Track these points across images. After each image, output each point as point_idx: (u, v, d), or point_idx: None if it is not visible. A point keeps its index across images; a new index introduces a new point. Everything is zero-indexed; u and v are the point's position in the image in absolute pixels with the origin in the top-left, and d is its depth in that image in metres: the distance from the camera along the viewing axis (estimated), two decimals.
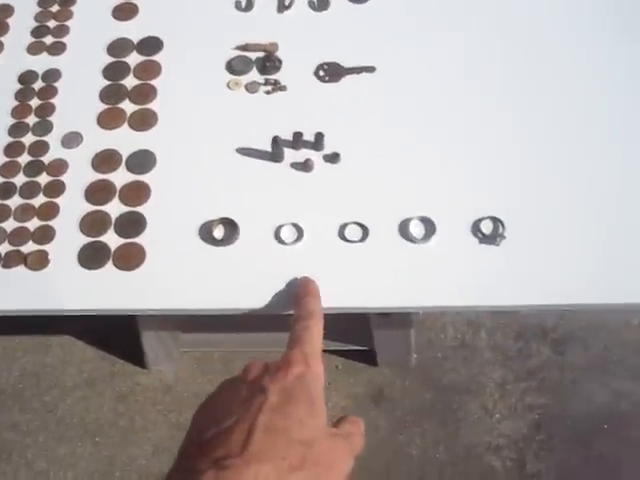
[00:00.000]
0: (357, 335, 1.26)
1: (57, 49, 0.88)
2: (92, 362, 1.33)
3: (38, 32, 0.90)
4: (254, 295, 0.72)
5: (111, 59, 0.87)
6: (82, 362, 1.33)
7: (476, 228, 0.75)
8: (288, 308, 0.71)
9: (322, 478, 0.49)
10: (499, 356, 1.33)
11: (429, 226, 0.74)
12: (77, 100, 0.84)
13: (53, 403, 1.30)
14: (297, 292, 0.68)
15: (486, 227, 0.75)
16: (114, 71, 0.86)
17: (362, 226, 0.74)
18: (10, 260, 0.74)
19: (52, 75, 0.86)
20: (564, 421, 1.27)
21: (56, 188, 0.78)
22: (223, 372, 1.31)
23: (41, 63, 0.87)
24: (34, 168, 0.79)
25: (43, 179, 0.79)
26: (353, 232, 0.74)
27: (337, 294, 0.71)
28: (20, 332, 1.36)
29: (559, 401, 1.29)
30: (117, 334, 1.32)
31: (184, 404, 1.29)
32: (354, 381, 1.31)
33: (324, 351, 1.37)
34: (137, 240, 0.74)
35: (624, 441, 1.25)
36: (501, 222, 0.75)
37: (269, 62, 0.86)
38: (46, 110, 0.83)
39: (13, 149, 0.81)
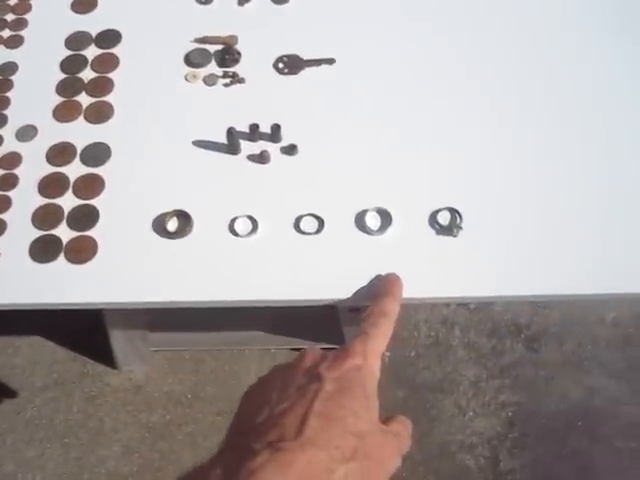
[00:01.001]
0: (328, 333, 1.25)
1: (14, 42, 0.87)
2: (62, 363, 1.32)
3: None
4: (208, 288, 0.70)
5: (69, 52, 0.86)
6: (52, 363, 1.32)
7: (433, 219, 0.74)
8: (241, 302, 0.70)
9: (371, 472, 0.49)
10: (473, 354, 1.32)
11: (385, 217, 0.74)
12: (33, 93, 0.83)
13: (22, 404, 1.29)
14: (379, 287, 0.66)
15: (443, 218, 0.74)
16: (71, 64, 0.85)
17: (318, 218, 0.74)
18: None
19: (8, 68, 0.85)
20: (538, 418, 1.27)
21: (9, 181, 0.77)
22: (194, 371, 1.30)
23: None
24: None
25: None
26: (308, 224, 0.73)
27: (292, 286, 0.70)
28: None
29: (533, 398, 1.28)
30: (88, 334, 1.31)
31: (154, 404, 1.28)
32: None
33: (296, 349, 1.37)
34: (89, 233, 0.73)
35: (598, 438, 1.24)
36: (458, 213, 0.74)
37: (228, 55, 0.85)
38: (1, 103, 0.82)
39: None
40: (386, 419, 0.56)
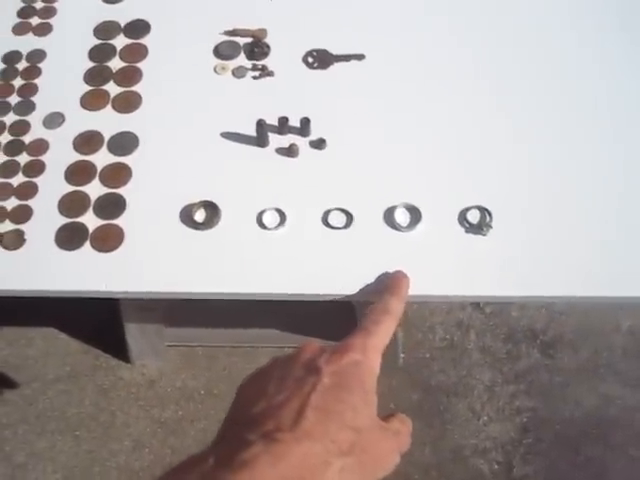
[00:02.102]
0: (343, 332, 1.24)
1: (43, 30, 0.87)
2: (75, 355, 1.31)
3: (24, 13, 0.89)
4: (234, 280, 0.70)
5: (97, 41, 0.86)
6: (65, 355, 1.31)
7: (463, 217, 0.73)
8: (268, 294, 0.70)
9: (368, 467, 0.48)
10: (488, 358, 1.31)
11: (415, 214, 0.73)
12: (61, 81, 0.83)
13: (34, 396, 1.28)
14: (385, 285, 0.65)
15: (473, 216, 0.73)
16: (100, 53, 0.85)
17: (346, 212, 0.73)
18: None
19: (37, 56, 0.85)
20: (552, 425, 1.26)
21: (36, 168, 0.76)
22: (207, 368, 1.30)
23: (26, 44, 0.86)
24: (14, 147, 0.78)
25: (23, 158, 0.77)
26: (337, 218, 0.73)
27: (319, 281, 0.70)
28: (2, 323, 1.34)
29: (548, 405, 1.27)
30: (102, 327, 1.31)
31: (167, 400, 1.27)
32: None
33: None
34: (116, 222, 0.73)
35: (612, 446, 1.23)
36: (488, 212, 0.73)
37: (257, 48, 0.85)
38: (29, 90, 0.82)
39: None
40: (386, 416, 0.55)
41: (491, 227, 0.73)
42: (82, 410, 1.26)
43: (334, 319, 1.24)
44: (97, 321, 1.30)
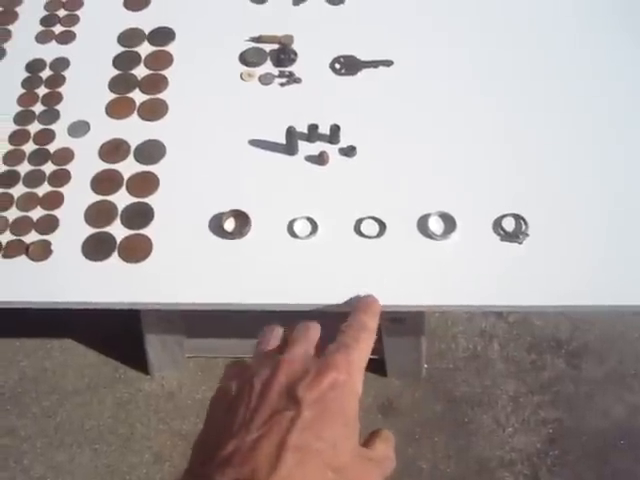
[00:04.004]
0: None
1: (66, 38, 0.86)
2: (94, 367, 1.30)
3: (47, 21, 0.88)
4: (266, 290, 0.68)
5: (122, 49, 0.85)
6: (83, 367, 1.30)
7: (498, 225, 0.72)
8: (301, 305, 0.68)
9: None
10: (512, 368, 1.29)
11: (449, 222, 0.72)
12: (85, 89, 0.82)
13: (52, 408, 1.27)
14: (356, 306, 0.63)
15: (508, 224, 0.72)
16: (124, 61, 0.84)
17: (379, 221, 0.71)
18: (11, 250, 0.71)
19: (61, 64, 0.84)
20: (579, 436, 1.23)
21: (61, 177, 0.75)
22: None
23: (50, 52, 0.85)
24: (39, 157, 0.77)
25: (48, 168, 0.76)
26: (369, 227, 0.71)
27: (352, 292, 0.68)
28: (21, 334, 1.33)
29: (574, 415, 1.25)
30: (121, 338, 1.29)
31: (187, 412, 1.25)
32: (362, 391, 1.27)
33: None
34: (144, 232, 0.72)
35: None
36: (524, 220, 0.72)
37: (284, 54, 0.84)
38: (53, 99, 0.81)
39: (18, 137, 0.78)
40: (369, 438, 0.53)
41: (527, 235, 0.71)
42: (101, 423, 1.25)
43: None
44: (116, 332, 1.28)
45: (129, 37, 0.86)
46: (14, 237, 0.71)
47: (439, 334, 1.32)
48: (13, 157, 0.77)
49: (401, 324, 1.10)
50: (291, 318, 1.08)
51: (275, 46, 0.84)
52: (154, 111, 0.80)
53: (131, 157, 0.76)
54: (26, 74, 0.83)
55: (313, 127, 0.76)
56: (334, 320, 0.62)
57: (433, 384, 1.28)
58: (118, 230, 0.72)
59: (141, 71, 0.83)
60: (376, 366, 1.27)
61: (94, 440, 1.23)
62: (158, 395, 1.27)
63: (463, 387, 1.28)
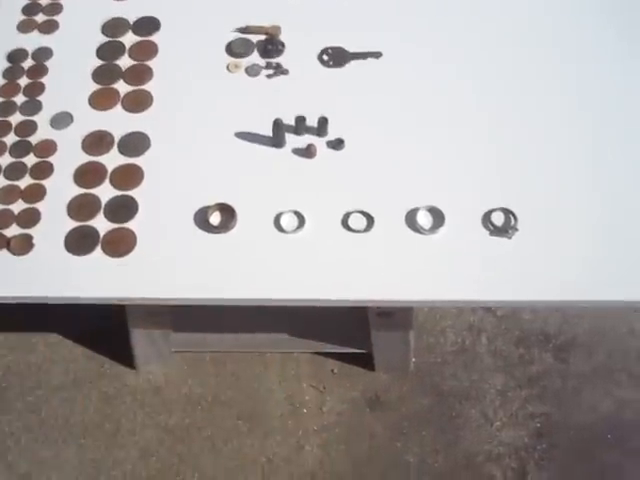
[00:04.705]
0: (355, 338, 1.21)
1: (49, 27, 0.85)
2: (79, 362, 1.28)
3: (29, 10, 0.86)
4: (252, 285, 0.67)
5: (105, 39, 0.83)
6: (69, 361, 1.28)
7: (487, 219, 0.71)
8: (287, 300, 0.67)
9: None
10: (500, 362, 1.28)
11: (437, 217, 0.71)
12: (68, 80, 0.81)
13: (37, 403, 1.24)
14: None
15: (497, 219, 0.71)
16: (108, 51, 0.82)
17: (367, 215, 0.71)
18: None
19: (43, 54, 0.82)
20: (567, 430, 1.23)
21: (43, 169, 0.74)
22: (214, 374, 1.26)
23: (32, 41, 0.84)
24: (21, 148, 0.75)
25: (30, 160, 0.75)
26: (357, 221, 0.70)
27: (340, 286, 0.67)
28: (5, 329, 1.30)
29: (561, 409, 1.24)
30: (106, 333, 1.27)
31: (173, 407, 1.24)
32: (350, 385, 1.26)
33: (319, 353, 1.33)
34: (128, 225, 0.70)
35: (628, 451, 1.20)
36: (513, 214, 0.71)
37: (271, 45, 0.83)
38: (35, 89, 0.80)
39: (0, 129, 0.76)
40: None
41: (517, 230, 0.70)
42: (86, 418, 1.23)
43: (345, 324, 1.22)
44: (101, 326, 1.26)
45: (113, 27, 0.84)
46: None
47: (427, 328, 1.31)
48: None
49: (389, 318, 1.09)
50: (277, 312, 1.07)
51: (262, 37, 0.83)
52: (138, 102, 0.78)
53: (115, 149, 0.75)
54: (7, 64, 0.82)
55: (300, 119, 0.75)
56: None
57: (421, 378, 1.27)
58: (101, 224, 0.71)
59: (125, 62, 0.82)
60: (364, 360, 1.26)
61: (79, 435, 1.21)
62: (144, 390, 1.25)
63: (451, 381, 1.27)
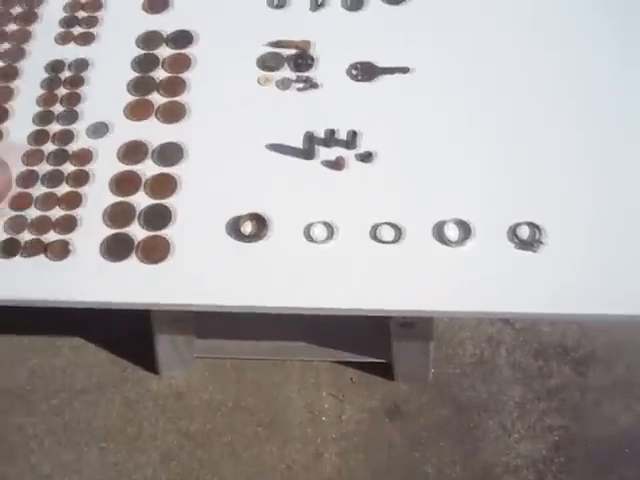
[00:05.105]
0: (375, 347, 1.23)
1: (86, 39, 0.87)
2: (103, 366, 1.30)
3: (67, 22, 0.88)
4: (281, 294, 0.69)
5: (141, 51, 0.86)
6: (92, 365, 1.30)
7: (513, 233, 0.72)
8: (316, 309, 0.69)
9: None
10: (519, 374, 1.29)
11: (465, 229, 0.72)
12: (105, 90, 0.83)
13: (60, 407, 1.27)
14: None
15: (523, 232, 0.72)
16: (144, 63, 0.85)
17: (395, 227, 0.72)
18: (30, 249, 0.71)
19: (80, 65, 0.85)
20: (585, 443, 1.23)
21: (80, 178, 0.76)
22: (235, 381, 1.28)
23: (70, 53, 0.86)
24: (59, 157, 0.78)
25: (67, 168, 0.77)
26: (386, 233, 0.72)
27: (367, 296, 0.69)
28: (31, 332, 1.33)
29: (580, 423, 1.25)
30: (130, 338, 1.29)
31: (194, 412, 1.25)
32: (369, 394, 1.27)
33: (339, 362, 1.34)
34: (163, 233, 0.72)
35: None
36: (539, 228, 0.72)
37: (301, 59, 0.84)
38: (73, 99, 0.82)
39: (38, 137, 0.79)
40: None
41: (542, 243, 0.72)
42: (109, 422, 1.25)
43: (365, 333, 1.23)
44: (125, 331, 1.28)
45: (149, 40, 0.87)
46: (33, 236, 0.72)
47: (446, 339, 1.32)
48: (32, 157, 0.78)
49: (411, 328, 1.10)
50: (298, 321, 1.09)
51: (293, 51, 0.85)
52: (173, 113, 0.80)
53: (150, 159, 0.77)
54: (46, 75, 0.84)
55: (331, 132, 0.77)
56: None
57: (440, 389, 1.28)
58: (137, 231, 0.73)
59: (160, 74, 0.84)
60: (383, 370, 1.27)
61: (102, 439, 1.23)
62: (166, 395, 1.27)
63: (470, 392, 1.28)
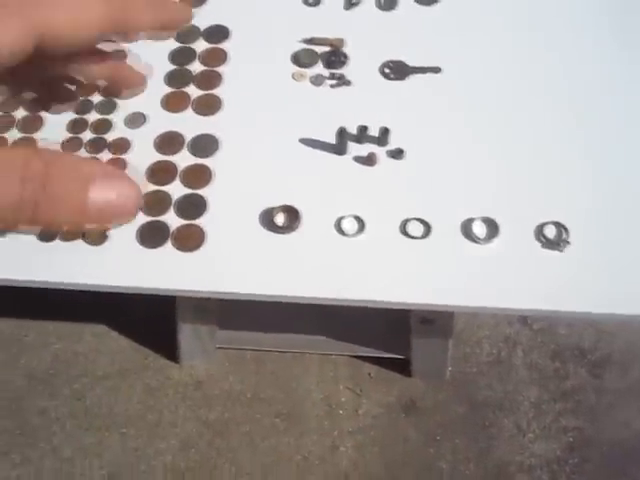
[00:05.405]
0: (393, 343, 1.25)
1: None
2: (124, 353, 1.33)
3: None
4: (313, 284, 0.71)
5: (178, 44, 0.88)
6: (114, 352, 1.33)
7: (539, 232, 0.74)
8: (346, 300, 0.71)
9: None
10: (535, 375, 1.31)
11: (492, 227, 0.74)
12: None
13: (82, 391, 1.30)
14: None
15: (550, 232, 0.74)
16: (180, 56, 0.86)
17: (424, 223, 0.74)
18: (69, 234, 0.73)
19: (118, 56, 0.86)
20: (599, 446, 1.25)
21: (118, 166, 0.78)
22: (255, 372, 1.30)
23: (109, 45, 0.88)
24: (97, 145, 0.79)
25: (105, 156, 0.79)
26: (415, 228, 0.74)
27: (395, 289, 0.70)
28: (54, 318, 1.36)
29: (594, 425, 1.26)
30: (152, 326, 1.32)
31: (214, 402, 1.28)
32: (386, 390, 1.29)
33: (357, 357, 1.36)
34: (197, 222, 0.74)
35: None
36: (565, 228, 0.74)
37: (335, 57, 0.86)
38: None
39: (77, 126, 0.81)
40: None
41: (568, 243, 0.73)
42: (130, 408, 1.28)
43: (384, 329, 1.25)
44: (147, 319, 1.31)
45: (185, 34, 0.88)
46: None
47: (464, 338, 1.34)
48: (72, 145, 0.80)
49: (431, 325, 1.12)
50: (318, 315, 1.10)
51: (326, 48, 0.87)
52: (209, 106, 0.82)
53: (185, 150, 0.79)
54: None
55: (363, 128, 0.78)
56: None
57: (456, 387, 1.30)
58: (172, 219, 0.74)
59: (196, 67, 0.86)
60: (401, 366, 1.29)
61: (122, 424, 1.26)
62: (186, 383, 1.29)
63: (486, 391, 1.30)
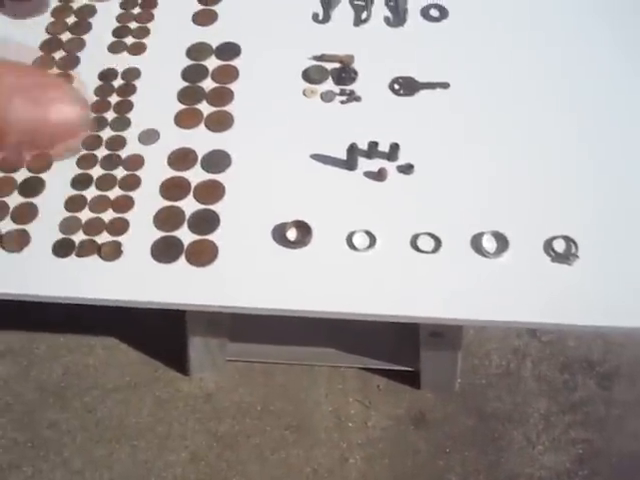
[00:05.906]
0: (402, 355, 1.25)
1: (138, 49, 0.90)
2: (134, 365, 1.33)
3: (119, 32, 0.92)
4: (324, 298, 0.72)
5: (190, 62, 0.89)
6: (124, 365, 1.33)
7: (548, 246, 0.74)
8: (357, 314, 0.71)
9: None
10: (544, 387, 1.31)
11: (502, 241, 0.74)
12: (155, 99, 0.86)
13: (93, 404, 1.30)
14: None
15: (559, 246, 0.74)
16: (193, 73, 0.88)
17: (434, 237, 0.75)
18: (84, 249, 0.75)
19: (132, 74, 0.88)
20: (608, 458, 1.24)
21: (131, 182, 0.79)
22: (264, 384, 1.31)
23: (121, 62, 0.89)
24: (111, 162, 0.81)
25: (119, 173, 0.80)
26: (425, 242, 0.74)
27: (406, 303, 0.71)
28: (65, 331, 1.36)
29: (604, 437, 1.26)
30: (161, 339, 1.32)
31: (223, 414, 1.28)
32: (395, 402, 1.29)
33: (366, 369, 1.36)
34: (210, 237, 0.75)
35: None
36: (574, 242, 0.74)
37: (345, 73, 0.87)
38: (125, 107, 0.85)
39: (91, 142, 0.82)
40: None
41: (577, 257, 0.74)
42: (140, 420, 1.28)
43: (393, 341, 1.25)
44: (157, 332, 1.32)
45: (197, 51, 0.90)
46: (87, 237, 0.75)
47: (473, 350, 1.34)
48: (86, 161, 0.81)
49: (440, 338, 1.12)
50: (328, 327, 1.10)
51: (336, 65, 0.88)
52: (220, 122, 0.83)
53: (198, 166, 0.80)
54: (99, 82, 0.87)
55: (373, 144, 0.79)
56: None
57: (465, 399, 1.30)
58: (185, 235, 0.75)
59: (208, 84, 0.87)
60: (410, 378, 1.29)
61: (132, 437, 1.26)
62: (196, 396, 1.30)
63: (495, 403, 1.29)
